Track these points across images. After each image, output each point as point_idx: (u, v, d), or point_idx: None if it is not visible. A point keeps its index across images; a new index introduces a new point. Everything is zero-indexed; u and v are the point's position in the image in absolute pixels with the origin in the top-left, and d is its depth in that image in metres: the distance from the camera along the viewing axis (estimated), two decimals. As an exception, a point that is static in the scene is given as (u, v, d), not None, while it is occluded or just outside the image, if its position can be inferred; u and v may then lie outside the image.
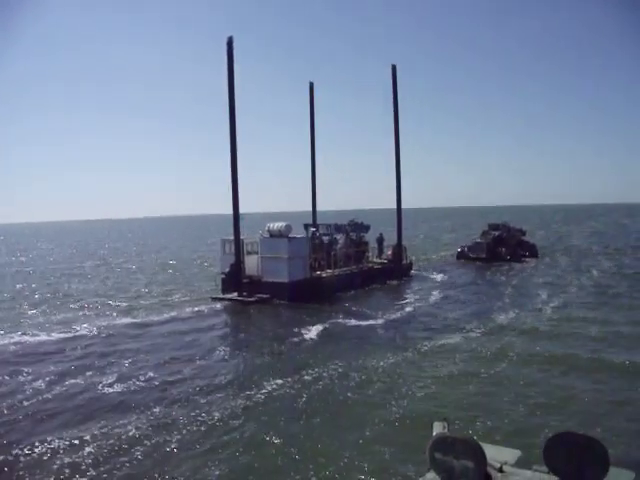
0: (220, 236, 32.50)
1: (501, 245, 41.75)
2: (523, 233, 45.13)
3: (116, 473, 9.58)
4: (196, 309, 25.46)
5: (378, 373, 14.94)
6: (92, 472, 9.65)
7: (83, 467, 9.84)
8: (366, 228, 34.46)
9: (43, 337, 20.60)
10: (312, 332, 20.08)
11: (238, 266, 26.78)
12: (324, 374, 14.87)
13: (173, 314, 24.65)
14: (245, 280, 27.04)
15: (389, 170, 36.01)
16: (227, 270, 27.38)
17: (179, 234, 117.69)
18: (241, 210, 27.49)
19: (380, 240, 35.81)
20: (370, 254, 34.33)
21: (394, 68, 34.59)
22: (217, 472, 9.58)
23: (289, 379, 14.45)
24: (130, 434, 11.16)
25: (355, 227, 33.79)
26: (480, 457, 4.74)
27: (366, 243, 34.20)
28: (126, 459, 10.08)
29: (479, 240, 43.13)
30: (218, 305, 26.43)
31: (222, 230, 46.18)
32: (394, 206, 36.23)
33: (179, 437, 11.00)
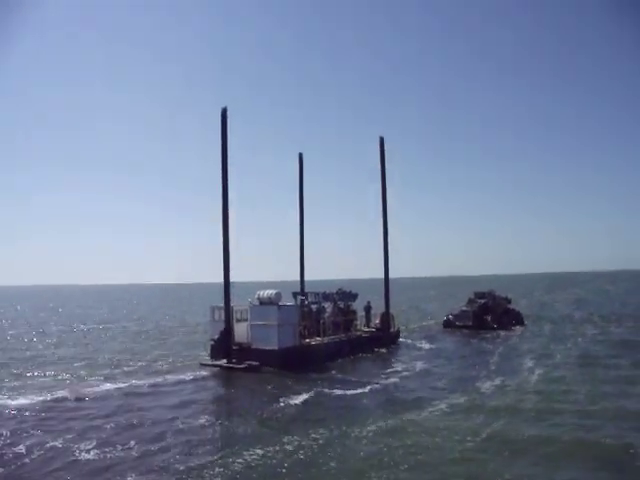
0: (208, 304, 32.78)
1: (487, 313, 42.32)
2: (509, 301, 45.77)
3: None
4: (183, 376, 25.30)
5: (360, 442, 14.85)
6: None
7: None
8: (354, 297, 34.90)
9: (21, 401, 20.42)
10: (298, 400, 20.04)
11: (228, 333, 26.93)
12: (306, 443, 14.73)
13: (159, 379, 24.51)
14: (235, 347, 27.12)
15: (375, 240, 36.95)
16: (216, 337, 27.51)
17: (165, 301, 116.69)
18: (240, 279, 28.07)
19: (368, 308, 36.21)
20: (358, 322, 34.64)
21: (382, 140, 36.07)
22: None
23: (270, 448, 14.30)
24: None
25: (343, 296, 34.22)
26: None
27: (354, 312, 34.55)
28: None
29: (465, 308, 43.70)
30: (206, 372, 26.36)
31: (209, 298, 46.15)
32: (380, 276, 36.96)
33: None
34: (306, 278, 38.13)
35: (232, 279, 27.33)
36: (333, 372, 25.87)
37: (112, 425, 16.96)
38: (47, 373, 27.02)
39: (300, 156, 38.72)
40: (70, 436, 15.72)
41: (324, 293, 33.06)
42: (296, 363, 26.16)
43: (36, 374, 26.66)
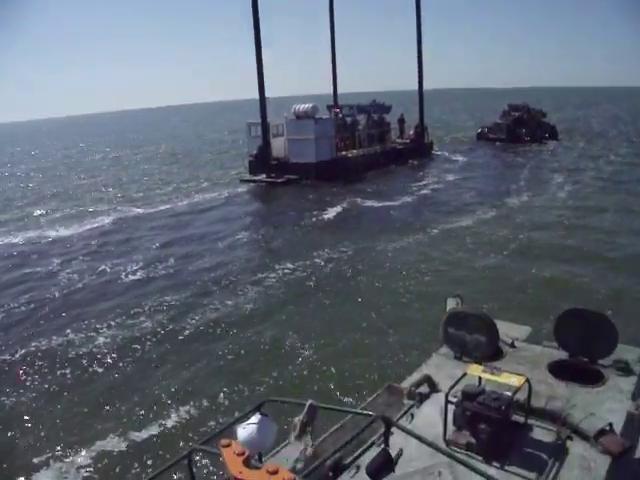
0: (242, 121, 32.82)
1: (521, 126, 41.43)
2: (544, 115, 44.44)
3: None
4: (226, 192, 26.46)
5: (386, 255, 15.44)
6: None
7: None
8: (387, 109, 34.59)
9: (66, 231, 21.12)
10: (331, 213, 20.86)
11: (266, 148, 27.37)
12: (336, 256, 15.45)
13: (204, 196, 25.72)
14: (273, 162, 27.75)
15: (408, 52, 35.36)
16: (254, 152, 28.01)
17: (199, 121, 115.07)
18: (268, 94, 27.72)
19: (401, 120, 35.87)
20: (392, 134, 34.66)
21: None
22: (225, 345, 10.56)
23: (300, 262, 15.01)
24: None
25: (377, 108, 33.89)
26: (493, 332, 4.83)
27: (388, 124, 34.44)
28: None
29: (499, 121, 42.87)
30: (247, 187, 27.39)
31: (243, 116, 45.76)
32: (410, 88, 35.99)
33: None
34: (339, 91, 37.45)
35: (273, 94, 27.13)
36: (368, 183, 26.70)
37: (156, 244, 18.31)
38: (88, 202, 27.38)
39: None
40: (118, 260, 16.78)
41: (359, 105, 32.73)
42: (333, 175, 26.88)
43: (77, 204, 27.12)
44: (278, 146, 28.13)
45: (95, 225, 21.71)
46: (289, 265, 14.95)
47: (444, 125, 57.51)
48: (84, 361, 10.17)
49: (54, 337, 11.24)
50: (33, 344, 10.95)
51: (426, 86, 36.79)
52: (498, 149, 38.80)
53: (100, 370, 9.85)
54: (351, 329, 10.65)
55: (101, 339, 11.04)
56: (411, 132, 35.18)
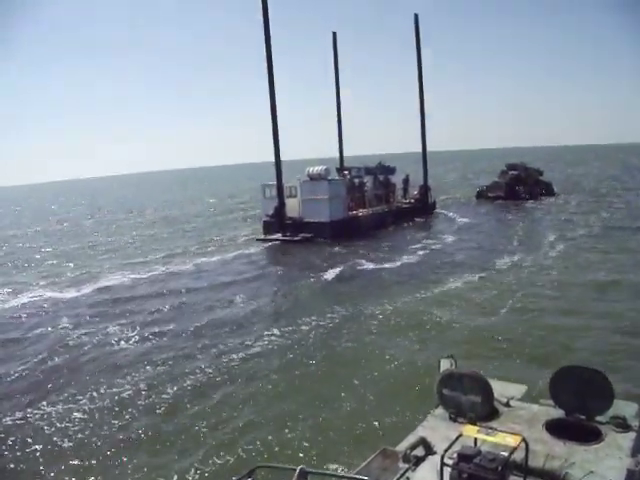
0: (256, 183, 34.35)
1: (519, 184, 43.26)
2: (540, 173, 46.36)
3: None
4: (246, 251, 27.53)
5: (376, 318, 15.36)
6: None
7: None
8: (392, 170, 36.24)
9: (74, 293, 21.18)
10: (332, 274, 21.20)
11: (282, 208, 28.73)
12: (323, 323, 15.26)
13: (224, 256, 26.61)
14: (288, 221, 29.05)
15: (407, 116, 37.49)
16: (270, 213, 29.37)
17: (210, 184, 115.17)
18: (270, 159, 29.35)
19: (405, 181, 37.59)
20: (397, 195, 36.27)
21: (416, 18, 36.06)
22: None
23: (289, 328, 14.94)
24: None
25: (383, 170, 35.59)
26: (487, 392, 4.83)
27: (393, 184, 36.07)
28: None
29: (497, 180, 44.75)
30: (265, 245, 28.57)
31: (251, 179, 46.97)
32: (414, 150, 37.97)
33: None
34: (344, 154, 39.49)
35: (268, 158, 28.70)
36: (382, 241, 28.05)
37: (169, 303, 18.61)
38: (113, 258, 29.33)
39: (334, 35, 38.62)
40: (136, 318, 17.00)
41: (366, 167, 34.41)
42: (346, 233, 28.20)
43: (109, 258, 29.00)
44: (291, 206, 29.47)
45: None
46: (275, 331, 14.85)
47: (443, 185, 59.35)
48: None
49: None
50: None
51: (435, 147, 38.56)
52: (496, 207, 40.00)
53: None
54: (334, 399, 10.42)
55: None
56: (415, 192, 36.83)
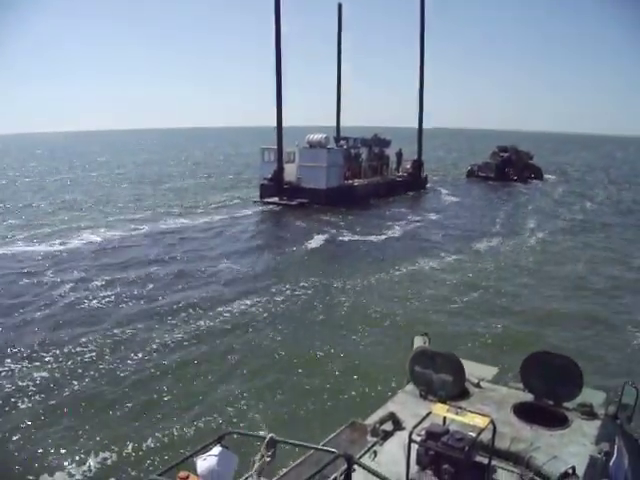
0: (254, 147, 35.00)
1: (509, 166, 44.41)
2: (530, 157, 47.52)
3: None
4: (243, 212, 28.48)
5: (346, 294, 15.54)
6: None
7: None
8: (387, 143, 37.11)
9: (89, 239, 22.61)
10: (316, 243, 22.04)
11: (280, 173, 29.52)
12: (298, 292, 15.66)
13: (221, 217, 27.48)
14: (285, 186, 29.90)
15: (406, 92, 38.20)
16: (269, 176, 30.10)
17: (212, 145, 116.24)
18: (268, 124, 29.98)
19: (399, 155, 38.43)
20: (391, 167, 37.21)
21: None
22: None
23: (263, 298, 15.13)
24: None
25: (378, 142, 36.40)
26: (459, 372, 4.85)
27: (387, 157, 36.96)
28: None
29: (489, 160, 45.86)
30: (260, 208, 29.47)
31: (248, 143, 47.32)
32: (405, 125, 38.74)
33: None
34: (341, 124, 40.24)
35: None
36: (375, 209, 29.42)
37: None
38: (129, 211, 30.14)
39: (339, 6, 38.87)
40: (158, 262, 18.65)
41: (362, 139, 35.19)
42: (340, 201, 29.16)
43: (117, 212, 29.62)
44: (289, 172, 30.24)
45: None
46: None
47: (437, 161, 60.13)
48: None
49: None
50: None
51: (428, 124, 39.28)
52: (485, 187, 41.29)
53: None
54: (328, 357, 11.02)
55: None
56: (408, 166, 37.76)
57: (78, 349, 11.47)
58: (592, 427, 4.39)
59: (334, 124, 40.13)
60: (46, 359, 10.98)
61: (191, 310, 13.97)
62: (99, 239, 22.40)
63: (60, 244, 21.58)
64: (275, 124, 29.52)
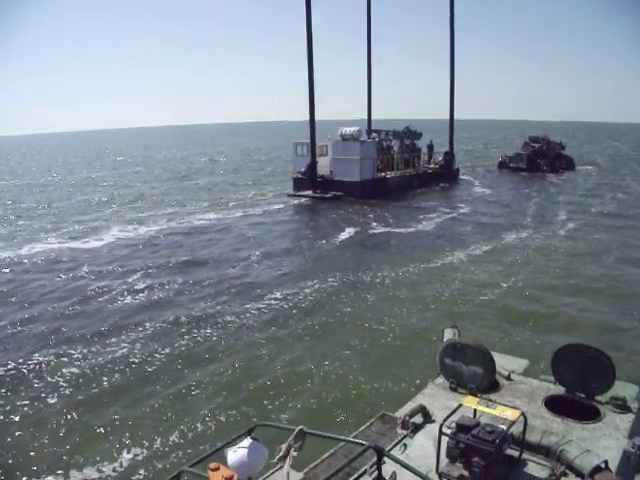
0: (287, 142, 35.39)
1: (540, 157, 43.92)
2: (562, 147, 46.80)
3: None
4: (276, 206, 28.87)
5: (375, 289, 15.42)
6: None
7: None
8: (419, 135, 37.11)
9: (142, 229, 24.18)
10: (346, 235, 22.25)
11: (314, 166, 29.86)
12: (324, 286, 15.66)
13: (257, 210, 27.98)
14: (318, 179, 30.25)
15: (438, 84, 38.14)
16: (302, 170, 30.48)
17: (244, 140, 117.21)
18: (302, 118, 30.26)
19: (430, 147, 38.46)
20: (422, 159, 37.29)
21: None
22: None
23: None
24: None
25: (409, 134, 36.46)
26: (489, 364, 4.78)
27: (419, 149, 37.02)
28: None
29: (520, 151, 45.45)
30: (295, 202, 29.85)
31: (278, 138, 47.86)
32: (441, 117, 38.65)
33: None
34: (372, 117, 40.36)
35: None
36: (410, 200, 29.56)
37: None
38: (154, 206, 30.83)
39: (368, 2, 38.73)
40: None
41: (394, 131, 35.30)
42: (374, 193, 29.43)
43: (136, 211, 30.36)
44: (322, 165, 30.62)
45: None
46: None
47: (468, 152, 59.63)
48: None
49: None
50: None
51: (461, 116, 39.07)
52: (516, 178, 40.67)
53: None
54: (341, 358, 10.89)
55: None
56: (440, 158, 37.76)
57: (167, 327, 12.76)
58: (625, 421, 4.33)
59: (365, 117, 40.35)
60: (141, 336, 12.27)
61: (259, 290, 15.32)
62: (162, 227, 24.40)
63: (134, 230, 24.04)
64: (308, 118, 29.86)
